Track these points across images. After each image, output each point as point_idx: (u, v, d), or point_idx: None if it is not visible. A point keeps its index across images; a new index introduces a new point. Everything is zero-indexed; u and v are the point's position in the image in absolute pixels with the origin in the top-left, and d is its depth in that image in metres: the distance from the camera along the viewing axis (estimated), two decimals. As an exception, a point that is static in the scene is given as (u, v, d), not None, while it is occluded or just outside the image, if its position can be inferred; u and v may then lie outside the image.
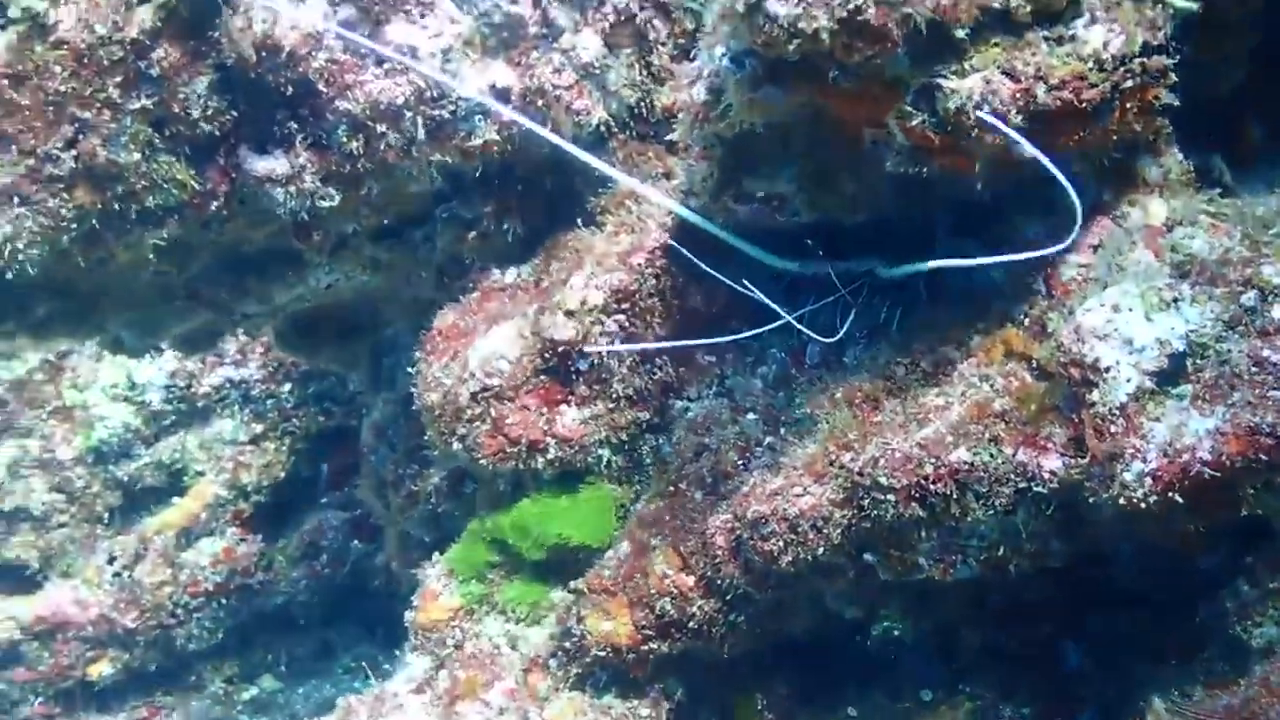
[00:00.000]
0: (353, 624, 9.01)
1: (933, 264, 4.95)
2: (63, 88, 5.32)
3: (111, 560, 8.69)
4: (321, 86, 5.52)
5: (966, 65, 4.37)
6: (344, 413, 8.68)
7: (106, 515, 8.86)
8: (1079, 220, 4.53)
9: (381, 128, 5.58)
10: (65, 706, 8.82)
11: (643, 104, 5.94)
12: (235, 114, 5.63)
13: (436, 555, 6.05)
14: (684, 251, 5.33)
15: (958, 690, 5.28)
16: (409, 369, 6.14)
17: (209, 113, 5.56)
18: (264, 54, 5.42)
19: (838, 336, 5.10)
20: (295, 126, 5.65)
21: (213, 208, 5.76)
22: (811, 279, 5.30)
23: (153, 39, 5.41)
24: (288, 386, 8.82)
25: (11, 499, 8.72)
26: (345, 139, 5.61)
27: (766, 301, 5.14)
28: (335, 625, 8.95)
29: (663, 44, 5.85)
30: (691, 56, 5.24)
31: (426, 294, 6.36)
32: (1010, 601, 5.13)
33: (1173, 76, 4.62)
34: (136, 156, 5.51)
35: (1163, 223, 4.75)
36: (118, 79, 5.39)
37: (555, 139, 5.34)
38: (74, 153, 5.41)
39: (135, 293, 6.17)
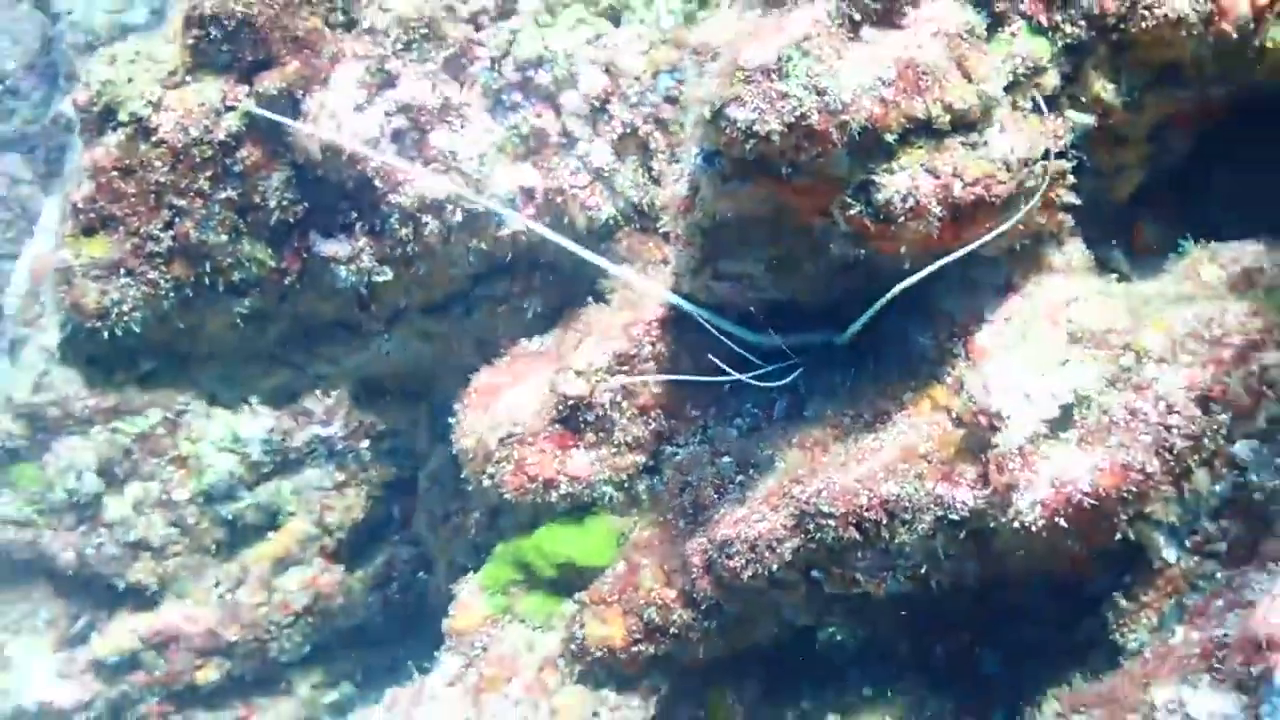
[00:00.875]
0: (418, 641, 9.06)
1: (864, 318, 5.02)
2: (162, 179, 5.52)
3: (217, 584, 8.82)
4: (378, 183, 5.68)
5: (895, 165, 4.47)
6: (412, 465, 8.76)
7: (214, 547, 9.00)
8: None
9: (426, 218, 5.73)
10: (176, 706, 8.93)
11: (644, 202, 6.05)
12: (306, 205, 5.79)
13: (471, 574, 6.12)
14: (682, 305, 5.40)
15: (893, 688, 5.30)
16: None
17: (284, 203, 5.72)
18: (328, 154, 5.59)
19: (789, 380, 5.22)
20: (356, 215, 5.80)
21: (286, 282, 5.90)
22: (780, 349, 5.40)
23: (237, 141, 5.59)
24: (366, 443, 8.97)
25: (135, 531, 8.87)
26: (397, 226, 5.76)
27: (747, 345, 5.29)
28: (403, 642, 8.98)
29: (661, 152, 5.97)
30: (678, 159, 5.38)
31: (468, 361, 6.45)
32: (937, 615, 5.16)
33: (1071, 178, 4.72)
34: (223, 238, 5.68)
35: (1062, 300, 4.82)
36: (208, 173, 5.58)
37: (555, 237, 5.47)
38: (171, 233, 5.59)
39: (224, 354, 6.28)
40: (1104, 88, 4.74)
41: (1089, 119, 4.74)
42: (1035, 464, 4.33)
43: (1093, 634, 4.71)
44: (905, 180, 4.45)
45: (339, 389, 7.59)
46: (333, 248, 5.83)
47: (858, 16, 4.46)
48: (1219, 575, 4.40)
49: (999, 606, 5.12)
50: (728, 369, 5.28)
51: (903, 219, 4.49)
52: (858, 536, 4.73)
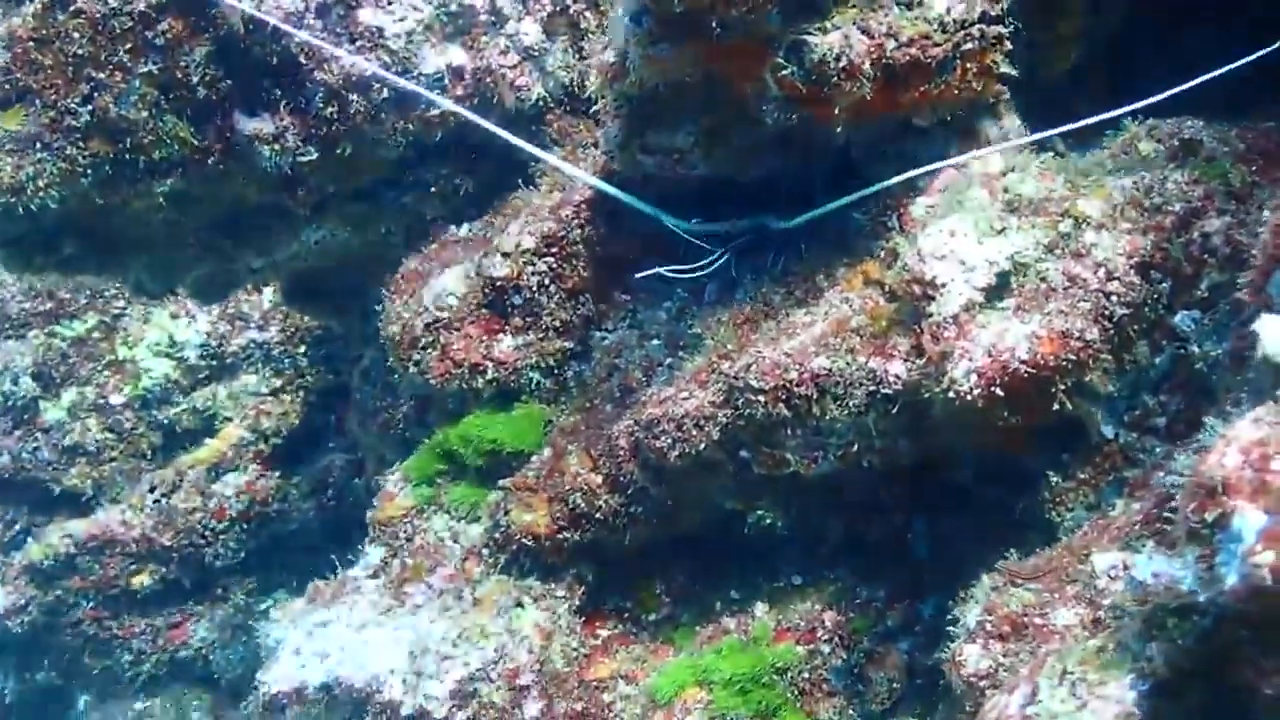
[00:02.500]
0: (354, 548, 8.70)
1: (812, 214, 4.69)
2: (80, 51, 5.08)
3: (152, 489, 8.36)
4: (302, 59, 5.26)
5: (828, 24, 4.12)
6: (349, 371, 8.40)
7: (149, 452, 8.57)
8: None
9: (352, 96, 5.32)
10: (111, 611, 8.50)
11: (575, 83, 5.67)
12: (230, 82, 5.35)
13: (396, 465, 5.75)
14: (611, 192, 5.03)
15: (823, 575, 4.96)
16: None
17: (206, 79, 5.28)
18: (251, 27, 5.16)
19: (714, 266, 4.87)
20: (280, 93, 5.38)
21: (210, 162, 5.46)
22: (713, 235, 5.04)
23: (158, 12, 5.14)
24: (302, 348, 8.53)
25: (71, 436, 8.41)
26: (322, 104, 5.35)
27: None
28: (339, 549, 8.60)
29: (593, 32, 5.59)
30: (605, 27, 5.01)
31: (398, 254, 6.04)
32: (868, 497, 4.81)
33: (1008, 44, 4.36)
34: (144, 114, 5.24)
35: (999, 171, 4.46)
36: (128, 46, 5.13)
37: (482, 122, 5.14)
38: (90, 108, 5.15)
39: (150, 238, 5.84)
40: (1043, -50, 4.37)
41: (1027, -20, 4.37)
42: (971, 332, 3.98)
43: (1029, 515, 4.37)
44: (838, 39, 4.11)
45: (271, 285, 7.15)
46: (256, 125, 5.40)
47: None
48: (1158, 450, 4.08)
49: (932, 489, 4.77)
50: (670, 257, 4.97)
51: (835, 79, 4.14)
52: (787, 413, 4.37)
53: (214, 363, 8.59)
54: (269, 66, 5.30)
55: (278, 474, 8.43)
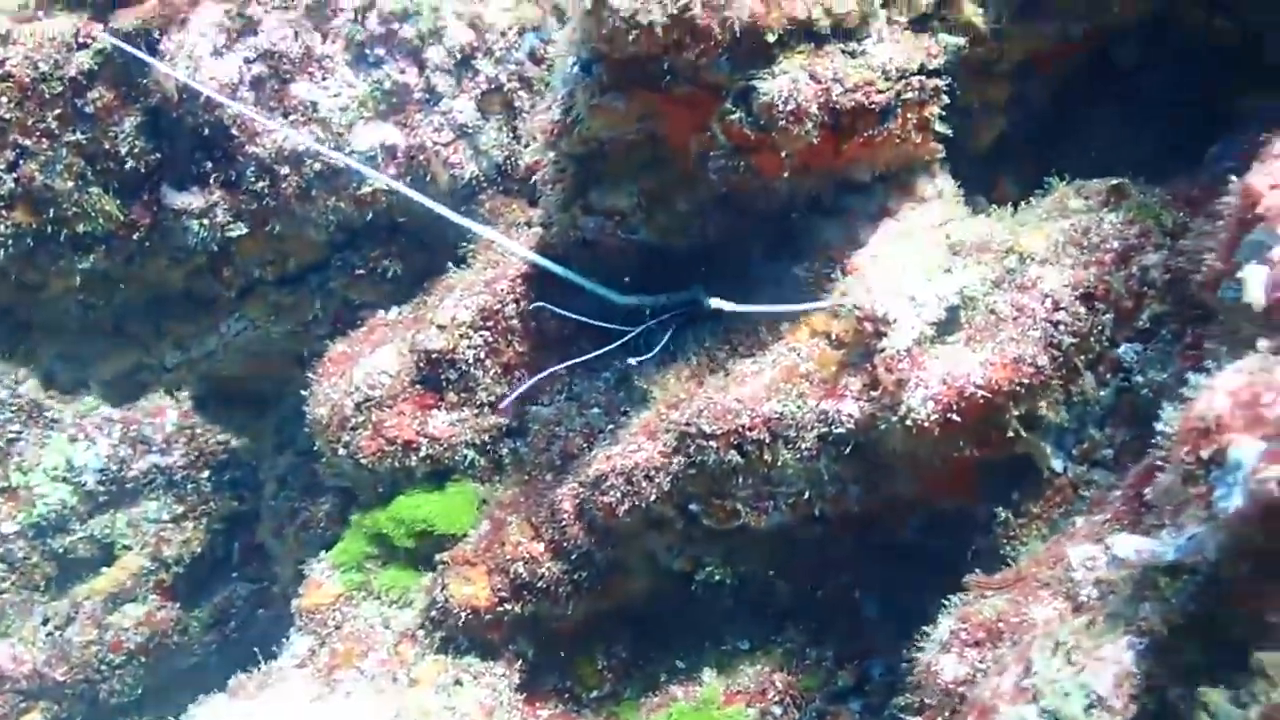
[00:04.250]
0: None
1: (742, 308, 4.74)
2: (7, 115, 5.03)
3: (46, 621, 8.09)
4: (235, 132, 5.26)
5: (776, 69, 4.22)
6: (254, 498, 8.23)
7: (43, 583, 8.28)
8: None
9: (285, 170, 5.32)
10: (-2, 751, 8.15)
11: (509, 162, 5.72)
12: (159, 155, 5.33)
13: (323, 553, 5.61)
14: (547, 267, 5.06)
15: (771, 638, 4.91)
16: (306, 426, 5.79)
17: (136, 151, 5.26)
18: (185, 97, 5.16)
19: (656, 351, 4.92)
20: (211, 166, 5.36)
21: (135, 238, 5.41)
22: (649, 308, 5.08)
23: (89, 80, 5.14)
24: (206, 473, 8.37)
25: (-40, 567, 8.17)
26: (254, 179, 5.33)
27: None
28: (240, 684, 8.33)
29: (526, 111, 5.66)
30: (547, 87, 5.09)
31: (321, 348, 5.99)
32: (817, 553, 4.80)
33: (945, 98, 4.50)
34: (70, 184, 5.20)
35: (938, 221, 4.59)
36: (57, 112, 5.13)
37: (418, 196, 5.17)
38: (14, 175, 5.10)
39: (65, 323, 5.76)
40: (974, 12, 4.54)
41: (961, 41, 4.53)
42: (925, 363, 4.03)
43: (982, 554, 4.39)
44: (786, 83, 4.20)
45: (185, 389, 7.01)
46: (185, 200, 5.37)
47: (738, -84, 4.21)
48: (1107, 482, 4.13)
49: (879, 545, 4.77)
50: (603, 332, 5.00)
51: (783, 123, 4.22)
52: (739, 459, 4.37)
53: (114, 488, 8.38)
54: (200, 138, 5.30)
55: (178, 605, 8.19)
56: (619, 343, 5.02)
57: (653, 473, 4.52)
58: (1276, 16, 4.58)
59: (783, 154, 4.32)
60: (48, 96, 5.06)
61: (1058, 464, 4.22)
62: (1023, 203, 4.62)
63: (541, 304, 5.12)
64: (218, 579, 8.36)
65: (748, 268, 5.02)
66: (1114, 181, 4.55)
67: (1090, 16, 4.73)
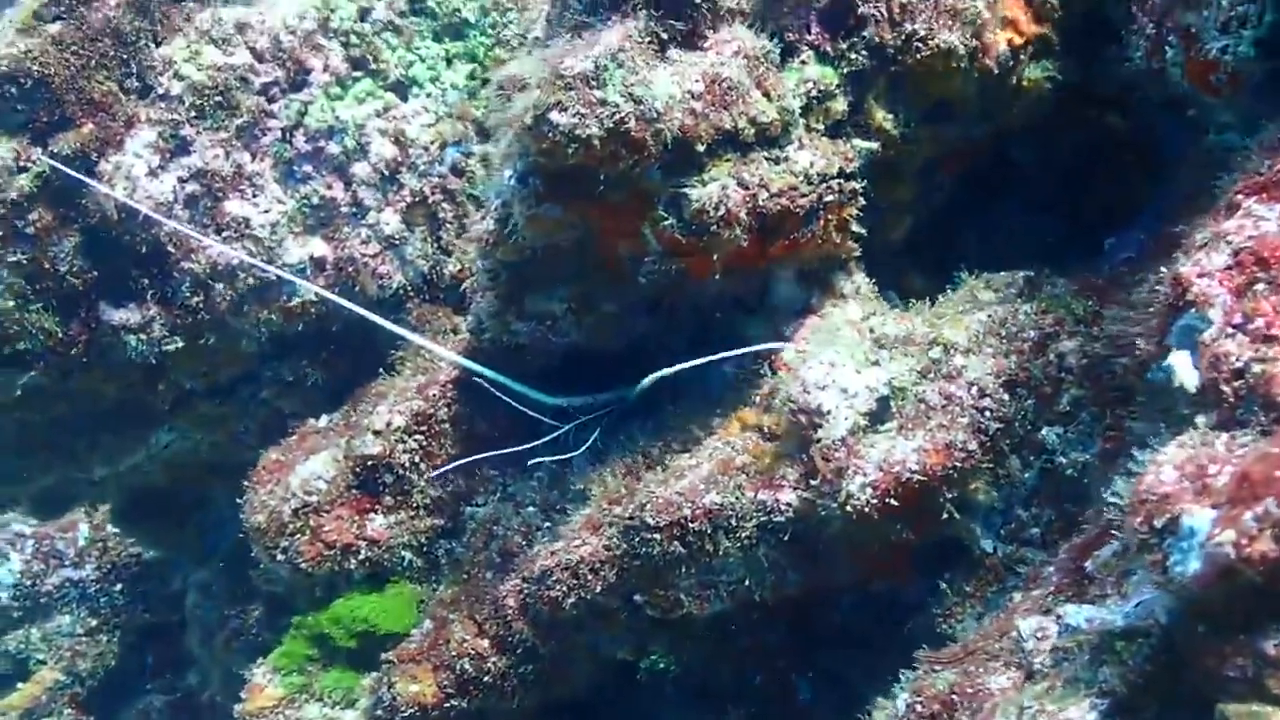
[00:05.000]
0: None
1: (663, 372, 4.89)
2: (-52, 239, 5.07)
3: (-42, 741, 7.97)
4: (171, 249, 5.33)
5: (705, 176, 4.40)
6: (167, 609, 8.16)
7: (-44, 701, 8.16)
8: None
9: (219, 285, 5.40)
10: None
11: (434, 271, 5.84)
12: (96, 273, 5.38)
13: (261, 658, 5.61)
14: (475, 370, 5.18)
15: (713, 725, 5.04)
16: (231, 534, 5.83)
17: (74, 269, 5.31)
18: (124, 216, 5.23)
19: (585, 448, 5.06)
20: (147, 283, 5.42)
21: (73, 354, 5.44)
22: (577, 407, 5.22)
23: (29, 202, 5.18)
24: (119, 585, 8.28)
25: None
26: (189, 294, 5.40)
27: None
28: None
29: (450, 223, 5.79)
30: (482, 200, 5.22)
31: (250, 457, 6.03)
32: (755, 641, 4.94)
33: (861, 200, 4.71)
34: (10, 304, 5.22)
35: (859, 317, 4.79)
36: (-1, 234, 5.16)
37: (354, 307, 5.24)
38: (-43, 297, 5.13)
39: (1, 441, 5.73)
40: (885, 118, 4.78)
41: (874, 145, 4.77)
42: (861, 451, 4.21)
43: (912, 634, 4.56)
44: (716, 190, 4.39)
45: (108, 502, 6.96)
46: (123, 315, 5.42)
47: (665, 35, 4.42)
48: (1037, 559, 4.33)
49: (814, 629, 4.92)
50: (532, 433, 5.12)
51: (714, 228, 4.40)
52: (682, 550, 4.49)
53: (28, 603, 8.26)
54: (138, 256, 5.36)
55: (93, 719, 8.06)
56: (547, 439, 5.16)
57: (598, 566, 4.63)
58: (1163, 114, 4.89)
59: (713, 256, 4.50)
60: (-12, 219, 5.11)
61: (987, 544, 4.42)
62: (938, 296, 4.88)
63: (477, 377, 5.19)
64: (132, 691, 8.24)
65: (672, 361, 5.18)
66: (1024, 274, 4.82)
67: (992, 117, 5.00)
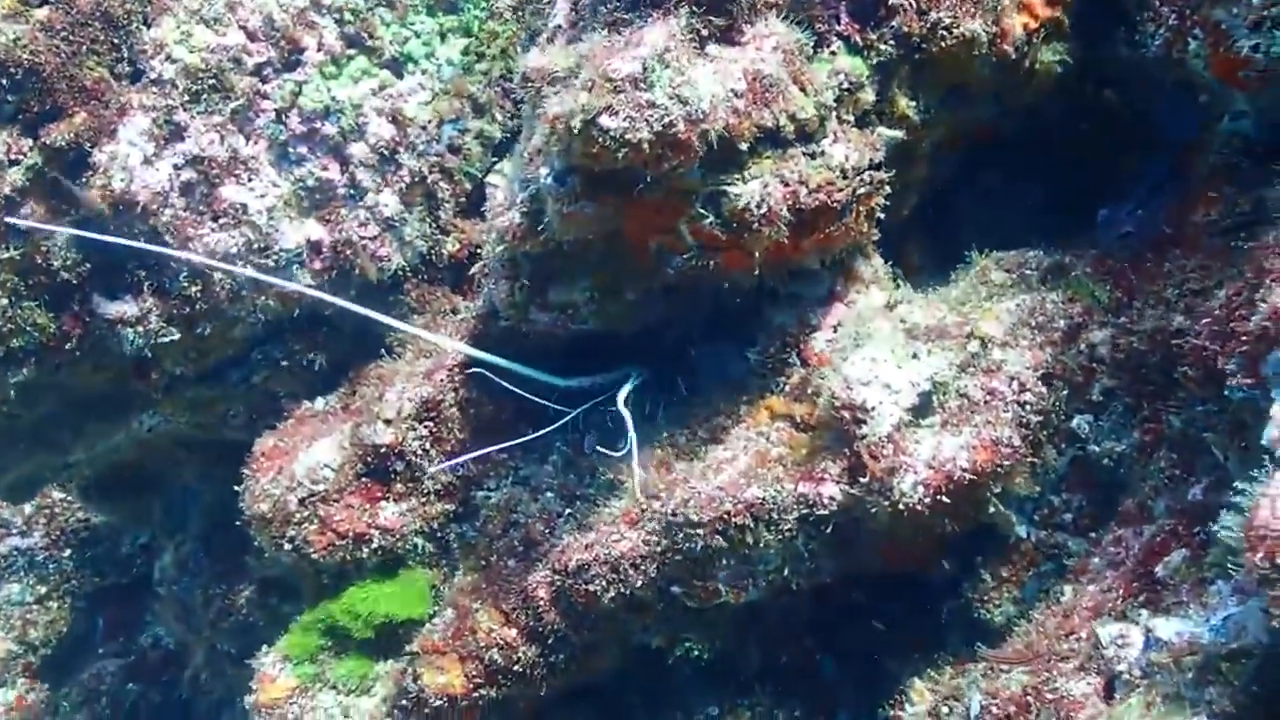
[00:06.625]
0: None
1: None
2: (-58, 237, 4.84)
3: (-90, 714, 7.75)
4: (168, 239, 5.14)
5: (747, 174, 4.35)
6: (118, 572, 7.99)
7: (-94, 674, 7.92)
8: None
9: (217, 274, 5.22)
10: None
11: (433, 251, 5.71)
12: (89, 265, 5.17)
13: (265, 647, 5.51)
14: (481, 368, 5.10)
15: (739, 703, 5.08)
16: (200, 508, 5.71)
17: (67, 264, 5.10)
18: (120, 208, 5.03)
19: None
20: (143, 274, 5.23)
21: (66, 348, 5.25)
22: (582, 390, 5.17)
23: (21, 197, 4.96)
24: (68, 552, 8.07)
25: None
26: (186, 284, 5.23)
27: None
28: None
29: (447, 202, 5.65)
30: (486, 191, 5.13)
31: (235, 435, 5.88)
32: (782, 623, 4.99)
33: (888, 189, 4.71)
34: (4, 301, 5.01)
35: (884, 305, 4.81)
36: (-10, 232, 4.93)
37: (336, 300, 5.10)
38: (-50, 295, 4.91)
39: (-9, 435, 5.54)
40: (908, 105, 4.77)
41: (899, 133, 4.76)
42: (908, 448, 4.25)
43: (947, 618, 4.67)
44: (758, 188, 4.34)
45: (76, 480, 6.76)
46: (118, 308, 5.21)
47: (705, 32, 4.33)
48: (1070, 544, 4.43)
49: (839, 611, 4.98)
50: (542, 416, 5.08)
51: (756, 225, 4.36)
52: (723, 544, 4.50)
53: (-26, 574, 8.03)
54: (132, 248, 5.14)
55: (47, 686, 7.90)
56: (558, 424, 5.12)
57: (639, 560, 4.63)
58: (1167, 95, 4.94)
59: (753, 253, 4.46)
60: (-20, 216, 4.88)
61: (1022, 530, 4.51)
62: (942, 274, 4.94)
63: (479, 369, 5.11)
64: (85, 656, 8.08)
65: (686, 350, 5.16)
66: (1033, 253, 4.88)
67: (1006, 100, 5.01)
